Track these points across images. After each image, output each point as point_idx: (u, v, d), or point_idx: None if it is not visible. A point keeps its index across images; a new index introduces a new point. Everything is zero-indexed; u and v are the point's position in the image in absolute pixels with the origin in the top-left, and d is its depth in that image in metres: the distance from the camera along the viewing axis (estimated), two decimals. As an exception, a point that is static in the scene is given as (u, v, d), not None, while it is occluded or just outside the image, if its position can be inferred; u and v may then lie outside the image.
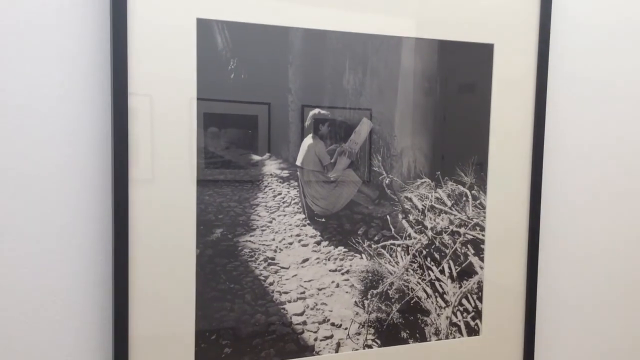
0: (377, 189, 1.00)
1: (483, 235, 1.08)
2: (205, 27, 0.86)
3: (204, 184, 0.88)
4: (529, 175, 1.10)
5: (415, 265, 1.03)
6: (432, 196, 1.03)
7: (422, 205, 1.03)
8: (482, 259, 1.08)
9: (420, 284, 1.04)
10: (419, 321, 1.04)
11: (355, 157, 0.98)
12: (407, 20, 0.99)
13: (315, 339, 0.97)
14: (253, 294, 0.93)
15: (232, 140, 0.90)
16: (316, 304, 0.97)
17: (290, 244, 0.95)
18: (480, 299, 1.09)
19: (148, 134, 0.84)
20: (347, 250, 0.99)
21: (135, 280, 0.85)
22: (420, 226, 1.03)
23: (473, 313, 1.08)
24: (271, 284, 0.94)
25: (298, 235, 0.95)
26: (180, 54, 0.85)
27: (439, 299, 1.05)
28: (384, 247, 1.01)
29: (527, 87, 1.09)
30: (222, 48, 0.88)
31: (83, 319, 0.86)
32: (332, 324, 0.99)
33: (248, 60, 0.89)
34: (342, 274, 0.99)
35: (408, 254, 1.02)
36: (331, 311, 0.98)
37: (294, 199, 0.95)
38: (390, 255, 1.01)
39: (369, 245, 1.00)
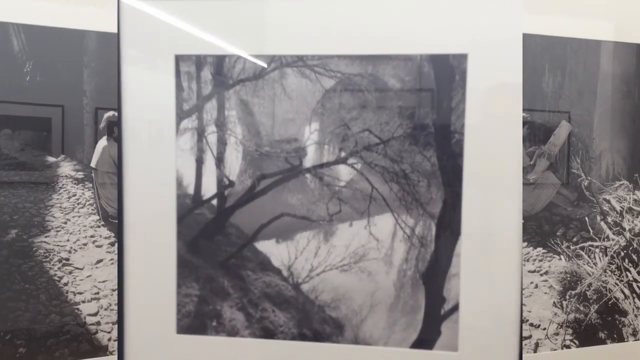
0: (575, 190, 1.01)
1: (671, 237, 1.09)
2: (0, 30, 0.85)
3: (-1, 185, 0.88)
4: None
5: (613, 267, 1.04)
6: (630, 198, 1.04)
7: (620, 207, 1.04)
8: (667, 261, 1.09)
9: (617, 285, 1.04)
10: (617, 322, 1.05)
11: (555, 159, 1.00)
12: (606, 24, 1.00)
13: (109, 339, 0.95)
14: (47, 294, 0.91)
15: (27, 142, 0.90)
16: (110, 305, 0.95)
17: (85, 244, 0.94)
18: (666, 300, 1.09)
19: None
20: (546, 251, 1.00)
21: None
22: (618, 228, 1.04)
23: (657, 314, 1.09)
24: (65, 284, 0.93)
25: (92, 236, 0.95)
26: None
27: (636, 300, 1.06)
28: (582, 248, 1.02)
29: None
30: (18, 50, 0.87)
31: None
32: (530, 325, 1.00)
33: (43, 63, 0.88)
34: (541, 274, 1.00)
35: (606, 255, 1.03)
36: (529, 312, 1.00)
37: (89, 200, 0.94)
38: (589, 257, 1.02)
39: (568, 247, 1.01)
